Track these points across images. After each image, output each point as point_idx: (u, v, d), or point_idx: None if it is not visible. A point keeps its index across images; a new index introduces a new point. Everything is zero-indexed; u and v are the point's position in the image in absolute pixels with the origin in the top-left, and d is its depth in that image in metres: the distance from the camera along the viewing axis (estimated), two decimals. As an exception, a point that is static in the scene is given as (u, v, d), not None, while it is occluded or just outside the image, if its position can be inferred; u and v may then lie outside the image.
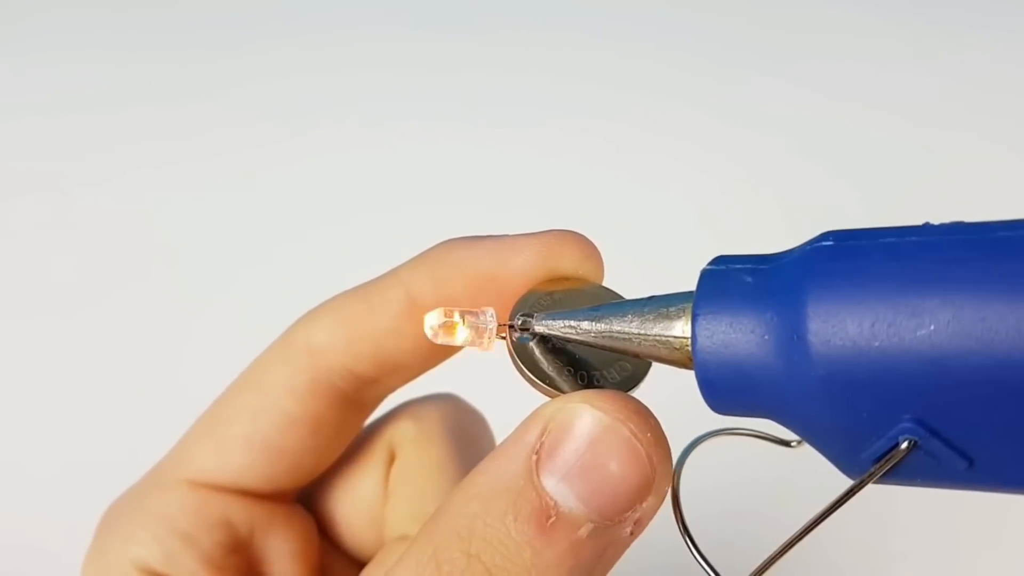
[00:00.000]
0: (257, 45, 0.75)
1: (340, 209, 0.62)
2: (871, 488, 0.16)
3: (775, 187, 0.62)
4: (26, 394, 0.52)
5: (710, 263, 0.18)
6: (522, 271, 0.21)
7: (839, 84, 0.69)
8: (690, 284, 0.18)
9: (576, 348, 0.21)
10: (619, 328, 0.19)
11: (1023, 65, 0.68)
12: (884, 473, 0.16)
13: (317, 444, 0.26)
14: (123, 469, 0.28)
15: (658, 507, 0.18)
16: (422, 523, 0.19)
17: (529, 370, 0.20)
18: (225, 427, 0.25)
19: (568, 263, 0.21)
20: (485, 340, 0.20)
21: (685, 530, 0.18)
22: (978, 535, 0.44)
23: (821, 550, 0.42)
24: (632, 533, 0.18)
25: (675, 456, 0.19)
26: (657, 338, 0.18)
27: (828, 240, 0.16)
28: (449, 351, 0.25)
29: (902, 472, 0.16)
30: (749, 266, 0.17)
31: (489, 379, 0.27)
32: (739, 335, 0.16)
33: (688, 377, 0.18)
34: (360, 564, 0.28)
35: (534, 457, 0.18)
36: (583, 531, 0.17)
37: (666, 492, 0.18)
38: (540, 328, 0.20)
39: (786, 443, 0.21)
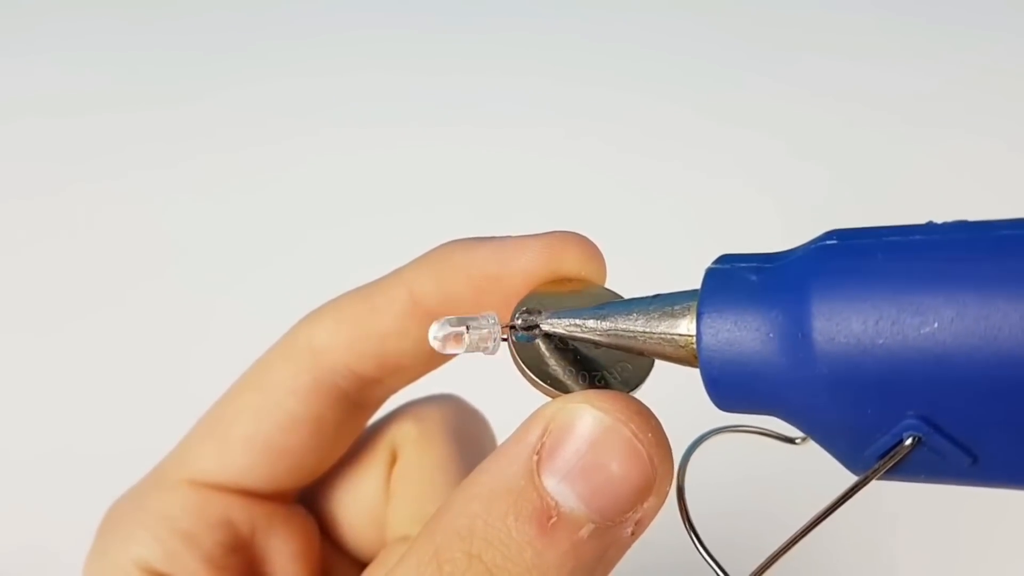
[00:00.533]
0: (262, 46, 0.75)
1: (342, 210, 0.62)
2: (873, 487, 0.16)
3: (774, 187, 0.62)
4: (28, 394, 0.52)
5: (715, 261, 0.18)
6: (525, 272, 0.21)
7: (839, 84, 0.69)
8: (690, 284, 0.18)
9: (578, 348, 0.21)
10: (624, 326, 0.19)
11: (1022, 65, 0.69)
12: (888, 469, 0.16)
13: (319, 444, 0.26)
14: (124, 469, 0.28)
15: (659, 508, 0.18)
16: (423, 524, 0.19)
17: (530, 370, 0.20)
18: (227, 427, 0.25)
19: (571, 264, 0.21)
20: (489, 345, 0.20)
21: (690, 526, 0.18)
22: (978, 535, 0.44)
23: (823, 548, 0.42)
24: (633, 533, 0.18)
25: (677, 455, 0.19)
26: (662, 336, 0.18)
27: (832, 239, 0.16)
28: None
29: (906, 468, 0.16)
30: (754, 264, 0.17)
31: (490, 379, 0.27)
32: (744, 333, 0.16)
33: (691, 375, 0.18)
34: (361, 564, 0.28)
35: (535, 457, 0.18)
36: (584, 531, 0.17)
37: (667, 493, 0.18)
38: (546, 325, 0.20)
39: (791, 440, 0.21)
